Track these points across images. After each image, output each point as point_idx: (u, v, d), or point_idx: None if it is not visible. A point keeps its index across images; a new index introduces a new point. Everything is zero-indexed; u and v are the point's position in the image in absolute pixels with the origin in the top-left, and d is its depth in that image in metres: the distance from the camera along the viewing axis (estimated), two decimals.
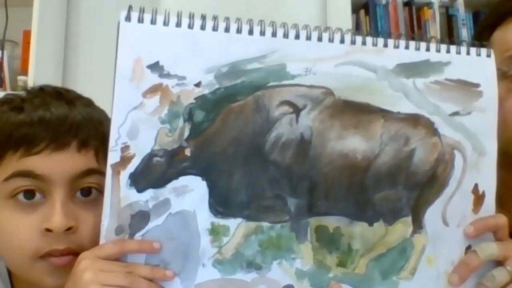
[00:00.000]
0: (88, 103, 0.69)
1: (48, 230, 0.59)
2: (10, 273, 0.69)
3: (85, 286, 0.53)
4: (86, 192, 0.63)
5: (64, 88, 0.72)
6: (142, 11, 0.58)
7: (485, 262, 0.61)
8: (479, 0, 1.87)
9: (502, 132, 0.63)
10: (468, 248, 0.62)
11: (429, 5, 1.96)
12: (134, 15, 0.58)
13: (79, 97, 0.69)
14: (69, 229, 0.60)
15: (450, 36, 1.92)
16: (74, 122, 0.63)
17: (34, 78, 1.79)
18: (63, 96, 0.67)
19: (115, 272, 0.54)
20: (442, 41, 0.64)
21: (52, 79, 1.94)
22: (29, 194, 0.60)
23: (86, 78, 1.92)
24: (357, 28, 1.93)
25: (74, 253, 0.59)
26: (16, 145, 0.60)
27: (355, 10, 1.95)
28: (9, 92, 1.93)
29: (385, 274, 0.61)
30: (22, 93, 0.68)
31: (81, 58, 1.96)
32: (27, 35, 1.91)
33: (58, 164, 0.60)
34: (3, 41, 1.93)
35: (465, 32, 1.93)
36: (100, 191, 0.62)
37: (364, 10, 1.97)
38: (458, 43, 0.65)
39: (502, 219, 0.62)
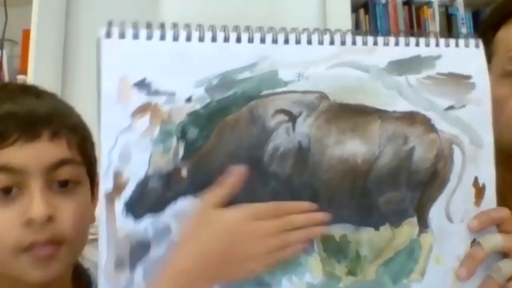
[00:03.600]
0: (54, 95, 0.69)
1: (29, 221, 0.57)
2: None
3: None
4: (63, 183, 0.61)
5: (28, 83, 0.70)
6: (123, 25, 0.54)
7: (490, 253, 0.60)
8: None
9: (504, 132, 0.63)
10: (474, 242, 0.62)
11: (429, 4, 1.95)
12: (115, 31, 0.54)
13: (44, 91, 0.68)
14: (49, 218, 0.58)
15: (449, 35, 1.92)
16: (43, 113, 0.61)
17: (33, 77, 1.76)
18: (28, 90, 0.66)
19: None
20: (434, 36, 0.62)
21: (52, 79, 1.90)
22: (6, 189, 0.58)
23: (86, 78, 1.84)
24: (356, 28, 1.92)
25: (57, 243, 0.59)
26: None
27: (354, 9, 1.93)
28: None
29: (395, 278, 0.60)
30: None
31: (80, 58, 1.93)
32: (26, 34, 1.87)
33: (31, 155, 0.59)
34: (2, 40, 1.90)
35: (464, 31, 1.93)
36: (76, 181, 0.62)
37: (364, 9, 1.96)
38: (447, 36, 0.64)
39: (506, 212, 0.61)
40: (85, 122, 0.67)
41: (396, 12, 1.93)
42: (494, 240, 0.61)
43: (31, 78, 1.75)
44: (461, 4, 1.96)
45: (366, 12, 1.94)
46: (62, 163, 0.60)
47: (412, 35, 0.63)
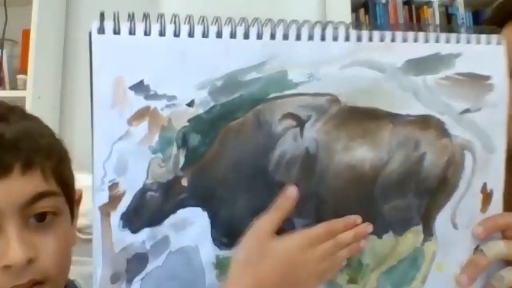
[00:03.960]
0: (21, 114, 0.60)
1: (7, 267, 0.52)
2: None
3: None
4: (40, 216, 0.55)
5: None
6: (117, 19, 0.48)
7: (493, 260, 0.59)
8: None
9: (510, 133, 0.60)
10: (477, 248, 0.61)
11: (429, 4, 1.93)
12: (109, 25, 0.48)
13: (10, 109, 0.59)
14: (30, 261, 0.53)
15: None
16: (11, 140, 0.54)
17: (33, 77, 1.77)
18: None
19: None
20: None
21: (52, 79, 1.92)
22: None
23: (86, 78, 1.79)
24: (356, 27, 1.85)
25: (39, 283, 0.54)
26: None
27: (354, 8, 1.89)
28: (8, 91, 1.85)
29: (396, 287, 0.59)
30: None
31: (80, 58, 1.92)
32: (26, 34, 1.86)
33: (3, 193, 0.52)
34: (2, 40, 1.89)
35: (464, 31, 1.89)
36: (55, 213, 0.56)
37: (364, 8, 1.93)
38: (466, 31, 0.59)
39: (511, 218, 0.60)
40: (59, 139, 0.61)
41: (396, 12, 1.91)
42: (497, 247, 0.59)
43: (31, 78, 1.76)
44: (461, 3, 1.95)
45: (366, 11, 1.93)
46: (38, 197, 0.54)
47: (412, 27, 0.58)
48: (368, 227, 0.55)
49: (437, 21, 1.92)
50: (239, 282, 0.51)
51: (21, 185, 0.53)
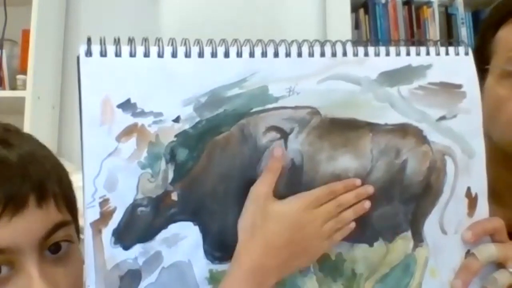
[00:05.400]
0: (19, 135, 0.56)
1: None
2: None
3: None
4: (55, 247, 0.53)
5: None
6: (103, 42, 0.51)
7: (485, 264, 0.60)
8: None
9: (504, 132, 0.62)
10: (468, 253, 0.61)
11: (429, 4, 1.95)
12: (95, 49, 0.51)
13: (6, 130, 0.55)
14: None
15: (449, 35, 1.91)
16: (20, 166, 0.50)
17: (33, 77, 1.75)
18: None
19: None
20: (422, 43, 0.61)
21: (51, 79, 1.91)
22: None
23: None
24: (356, 27, 1.89)
25: None
26: None
27: (354, 9, 1.92)
28: (8, 91, 1.81)
29: None
30: None
31: None
32: (26, 34, 1.86)
33: (21, 230, 0.49)
34: (2, 40, 1.87)
35: (464, 31, 1.93)
36: (69, 241, 0.54)
37: (364, 9, 1.95)
38: (436, 43, 0.62)
39: (499, 222, 0.61)
40: (56, 157, 0.58)
41: (396, 12, 1.92)
42: (488, 250, 0.60)
43: (30, 78, 1.75)
44: (461, 3, 1.96)
45: (366, 12, 1.94)
46: (55, 229, 0.51)
47: (412, 36, 0.61)
48: (369, 188, 0.57)
49: (437, 21, 1.91)
50: (249, 246, 0.52)
51: (38, 219, 0.51)
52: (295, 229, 0.53)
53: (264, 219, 0.52)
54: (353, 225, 0.56)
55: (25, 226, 0.50)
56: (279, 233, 0.52)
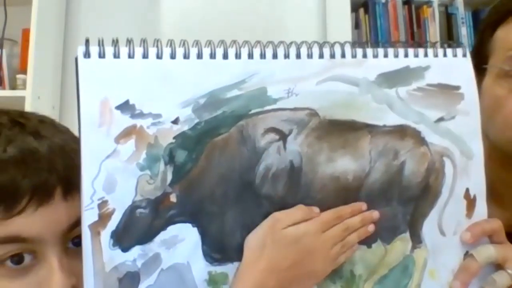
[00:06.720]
0: (53, 127, 0.57)
1: None
2: None
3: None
4: (78, 240, 0.52)
5: (16, 111, 0.59)
6: (101, 44, 0.51)
7: (483, 265, 0.60)
8: None
9: (502, 132, 0.63)
10: (466, 254, 0.61)
11: (429, 3, 1.95)
12: (94, 50, 0.51)
13: (40, 121, 0.56)
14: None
15: (449, 35, 1.91)
16: (47, 158, 0.51)
17: (33, 77, 1.75)
18: (24, 125, 0.54)
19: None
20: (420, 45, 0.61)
21: (51, 78, 1.90)
22: (17, 257, 0.50)
23: None
24: (356, 27, 1.89)
25: None
26: None
27: (354, 8, 1.93)
28: (8, 90, 1.81)
29: None
30: None
31: None
32: (26, 33, 1.86)
33: (46, 221, 0.50)
34: (2, 39, 1.87)
35: (464, 31, 1.93)
36: None
37: (364, 8, 1.95)
38: (434, 45, 0.62)
39: (497, 223, 0.61)
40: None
41: (396, 12, 1.92)
42: (487, 251, 0.60)
43: (30, 77, 1.75)
44: (461, 3, 1.96)
45: (366, 11, 1.94)
46: (79, 222, 0.50)
47: (412, 36, 0.61)
48: (374, 213, 0.58)
49: (437, 21, 1.91)
50: (254, 266, 0.51)
51: (63, 212, 0.51)
52: (302, 254, 0.53)
53: (273, 242, 0.52)
54: (356, 247, 0.57)
55: (50, 218, 0.51)
56: (285, 256, 0.52)
